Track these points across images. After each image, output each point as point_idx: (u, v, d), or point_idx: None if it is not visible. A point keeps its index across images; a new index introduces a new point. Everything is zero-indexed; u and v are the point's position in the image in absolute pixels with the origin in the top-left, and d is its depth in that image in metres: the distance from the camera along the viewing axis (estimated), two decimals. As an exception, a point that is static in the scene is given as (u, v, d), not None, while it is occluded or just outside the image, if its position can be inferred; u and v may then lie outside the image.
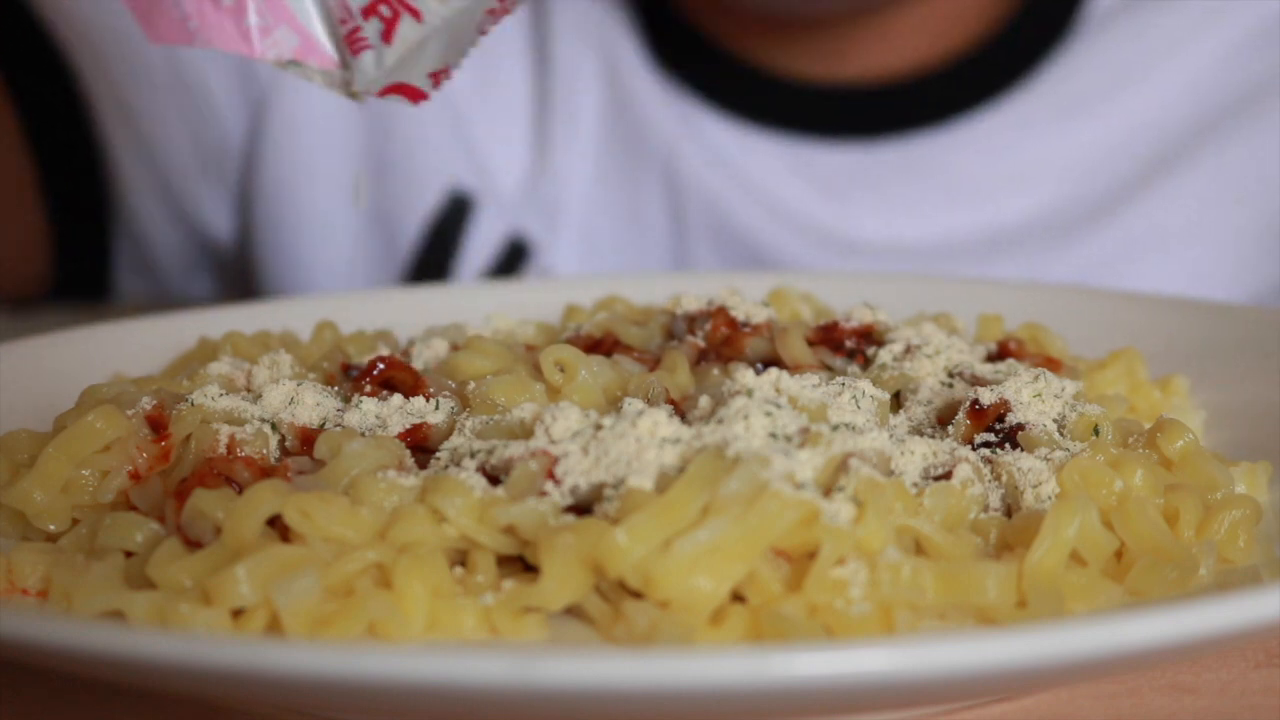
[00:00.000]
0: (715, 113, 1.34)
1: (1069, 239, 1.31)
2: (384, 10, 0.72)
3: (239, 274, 1.42)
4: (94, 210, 1.35)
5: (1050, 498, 0.65)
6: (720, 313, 0.81)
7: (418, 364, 0.79)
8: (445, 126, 1.34)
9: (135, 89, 1.31)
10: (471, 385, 0.73)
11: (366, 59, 0.73)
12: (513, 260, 1.34)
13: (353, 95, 0.74)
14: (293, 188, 1.35)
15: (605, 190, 1.36)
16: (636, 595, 0.58)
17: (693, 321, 0.82)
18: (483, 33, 0.71)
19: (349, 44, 0.73)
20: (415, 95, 0.72)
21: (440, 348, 0.81)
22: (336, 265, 1.36)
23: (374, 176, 1.35)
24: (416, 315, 0.93)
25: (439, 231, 1.34)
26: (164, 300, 1.44)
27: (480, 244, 1.34)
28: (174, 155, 1.34)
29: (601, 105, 1.35)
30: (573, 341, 0.80)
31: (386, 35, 0.72)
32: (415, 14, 0.72)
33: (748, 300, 0.82)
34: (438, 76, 0.72)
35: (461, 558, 0.62)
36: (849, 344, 0.80)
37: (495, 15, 0.71)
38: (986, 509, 0.65)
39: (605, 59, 1.34)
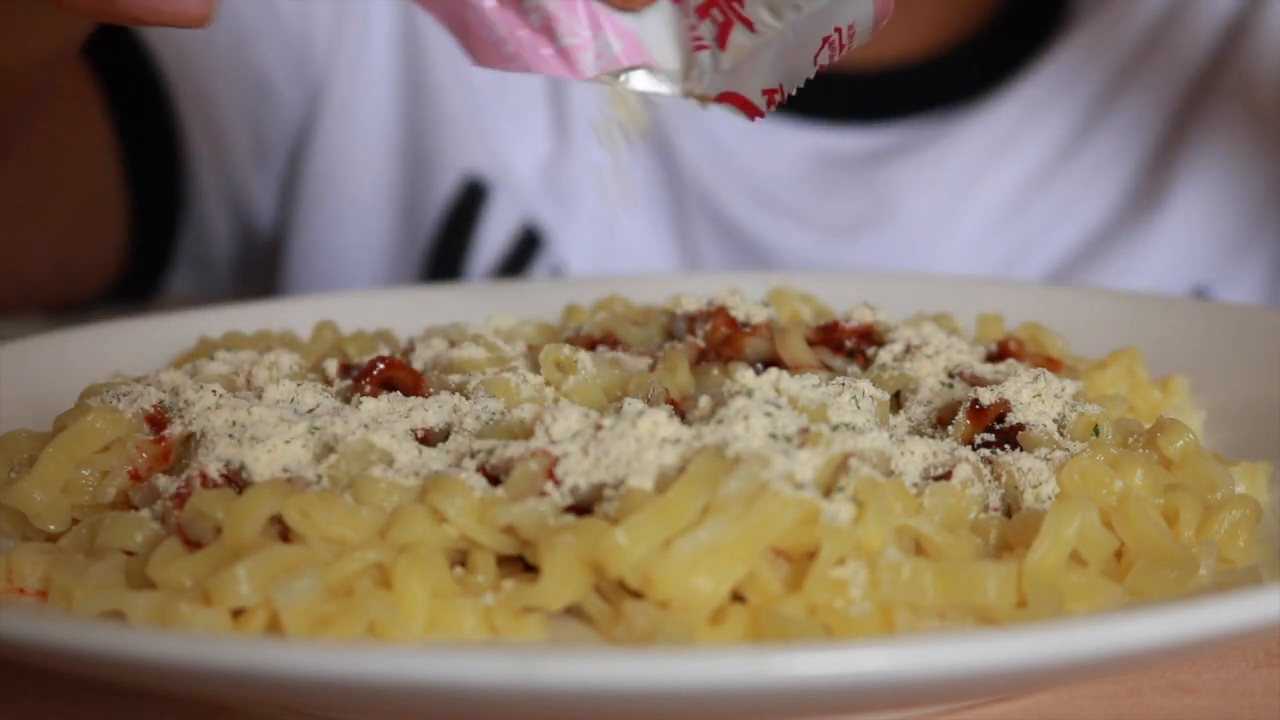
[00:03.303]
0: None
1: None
2: (716, 15, 0.69)
3: (273, 266, 1.41)
4: (168, 207, 1.34)
5: (1050, 498, 0.65)
6: (720, 313, 0.81)
7: (418, 364, 0.79)
8: (463, 112, 1.33)
9: (208, 75, 1.30)
10: (472, 384, 0.73)
11: (704, 58, 0.70)
12: (526, 250, 1.34)
13: (691, 96, 0.71)
14: (340, 177, 1.34)
15: (620, 179, 1.35)
16: (636, 595, 0.58)
17: (693, 321, 0.82)
18: (820, 67, 0.68)
19: (691, 40, 0.70)
20: (749, 110, 0.70)
21: (440, 348, 0.81)
22: (373, 256, 1.36)
23: (406, 166, 1.35)
24: (416, 315, 0.93)
25: (454, 219, 1.33)
26: (210, 298, 1.43)
27: (494, 232, 1.33)
28: (234, 140, 1.34)
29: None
30: (573, 341, 0.80)
31: (721, 40, 0.69)
32: (748, 24, 0.69)
33: (748, 300, 0.82)
34: (771, 95, 0.69)
35: (461, 558, 0.62)
36: (849, 344, 0.80)
37: (833, 49, 0.67)
38: (986, 509, 0.65)
39: None
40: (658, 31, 0.70)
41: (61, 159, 1.22)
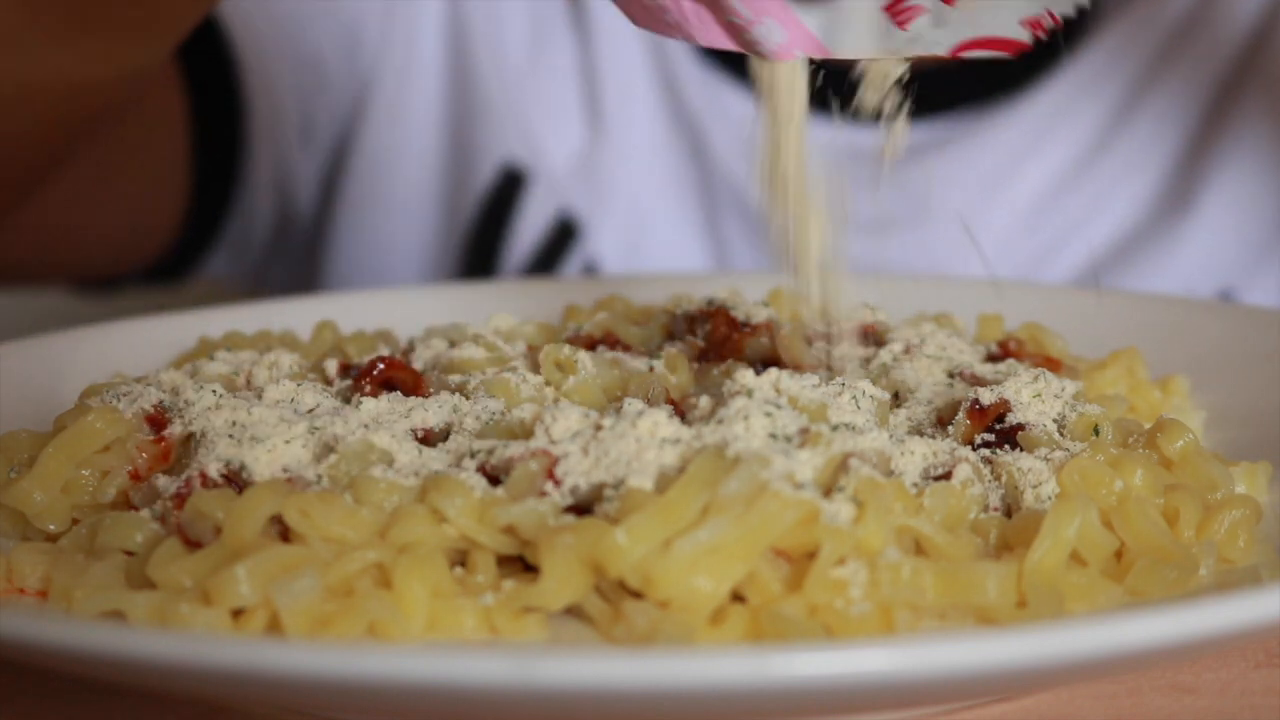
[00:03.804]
0: (744, 90, 1.32)
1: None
2: None
3: (313, 254, 1.40)
4: (224, 185, 1.34)
5: (1050, 498, 0.65)
6: (720, 313, 0.81)
7: (418, 364, 0.79)
8: (503, 100, 1.33)
9: (269, 54, 1.30)
10: (472, 384, 0.73)
11: (920, 25, 0.65)
12: (560, 241, 1.33)
13: (908, 61, 0.66)
14: (386, 167, 1.34)
15: (655, 169, 1.35)
16: (636, 595, 0.58)
17: (693, 321, 0.82)
18: None
19: (892, 15, 0.65)
20: (1006, 46, 0.64)
21: (440, 348, 0.81)
22: (414, 246, 1.36)
23: (449, 157, 1.35)
24: (416, 315, 0.93)
25: (492, 207, 1.33)
26: (240, 283, 1.43)
27: (531, 221, 1.33)
28: (284, 120, 1.34)
29: (650, 79, 1.34)
30: (573, 342, 0.80)
31: None
32: None
33: (748, 300, 0.82)
34: (1037, 24, 0.63)
35: (461, 558, 0.62)
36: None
37: None
38: (986, 509, 0.65)
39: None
40: (848, 14, 0.66)
41: (137, 132, 1.22)
